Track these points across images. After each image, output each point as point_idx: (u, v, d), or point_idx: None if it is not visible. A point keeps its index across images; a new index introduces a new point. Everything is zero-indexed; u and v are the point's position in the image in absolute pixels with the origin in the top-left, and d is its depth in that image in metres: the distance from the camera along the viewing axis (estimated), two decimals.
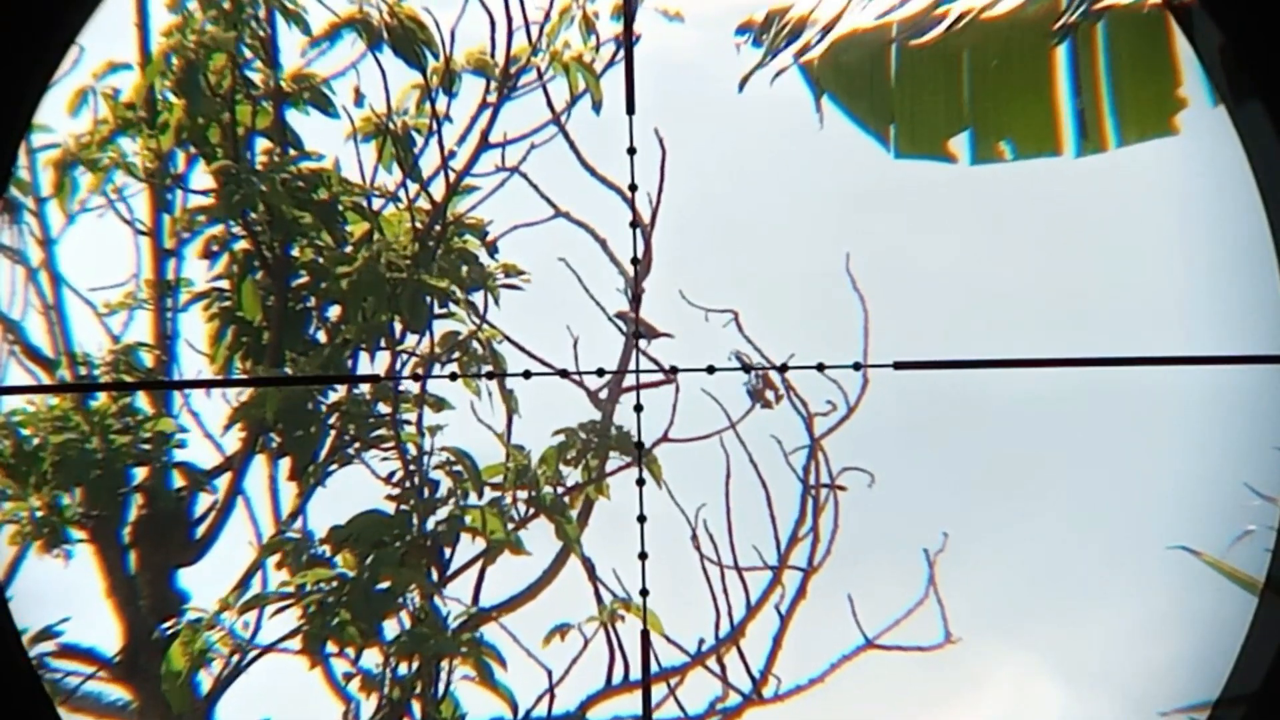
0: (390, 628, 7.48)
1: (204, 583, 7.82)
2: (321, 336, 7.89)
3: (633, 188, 6.79)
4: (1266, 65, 4.03)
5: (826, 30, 6.78)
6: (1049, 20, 6.35)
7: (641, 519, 6.12)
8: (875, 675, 7.50)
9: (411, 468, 7.67)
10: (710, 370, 6.65)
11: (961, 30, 6.45)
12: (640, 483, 6.40)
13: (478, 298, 7.89)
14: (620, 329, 7.65)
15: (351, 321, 7.74)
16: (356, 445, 7.76)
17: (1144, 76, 6.41)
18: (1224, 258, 6.23)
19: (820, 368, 7.06)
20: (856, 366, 7.31)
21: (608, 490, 7.76)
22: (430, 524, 7.56)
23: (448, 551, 7.59)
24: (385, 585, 7.44)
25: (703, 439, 7.59)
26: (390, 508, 7.64)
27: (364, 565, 7.44)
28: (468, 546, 7.63)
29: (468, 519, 7.56)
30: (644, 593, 6.23)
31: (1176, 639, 6.12)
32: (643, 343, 7.59)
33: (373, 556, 7.46)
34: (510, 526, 7.59)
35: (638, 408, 6.87)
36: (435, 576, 7.56)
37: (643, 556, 6.08)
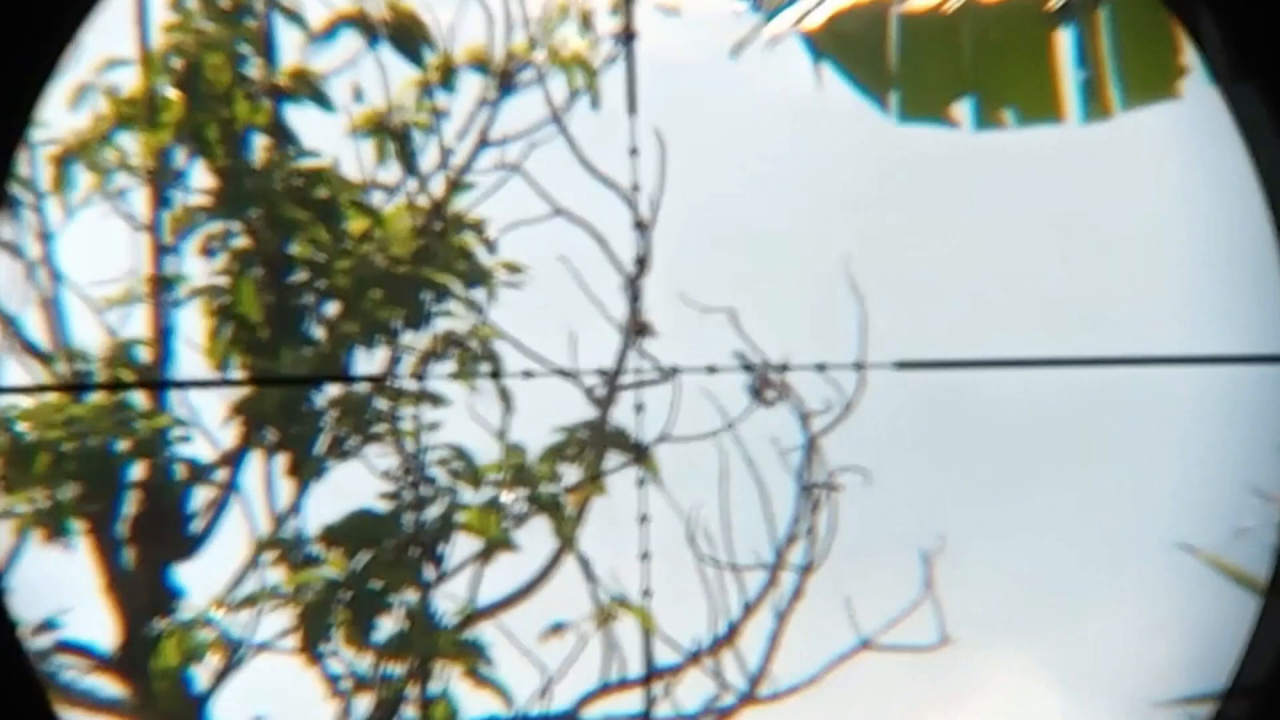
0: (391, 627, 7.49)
1: (200, 578, 7.80)
2: (320, 333, 7.87)
3: (634, 188, 6.78)
4: (1262, 54, 4.02)
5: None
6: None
7: (643, 519, 6.11)
8: (871, 675, 7.50)
9: (409, 464, 7.65)
10: (711, 370, 6.65)
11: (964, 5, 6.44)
12: (642, 483, 6.38)
13: (477, 296, 7.88)
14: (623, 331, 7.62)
15: (351, 317, 7.72)
16: (353, 441, 7.75)
17: (1147, 40, 6.39)
18: (1227, 258, 6.24)
19: (821, 368, 7.06)
20: (858, 367, 7.31)
21: (604, 487, 7.74)
22: (425, 522, 7.55)
23: (442, 550, 7.58)
24: (377, 585, 7.43)
25: (702, 438, 7.59)
26: (383, 506, 7.63)
27: (355, 564, 7.42)
28: (463, 545, 7.63)
29: (461, 517, 7.55)
30: (646, 593, 6.22)
31: (1175, 640, 6.12)
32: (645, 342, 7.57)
33: (363, 556, 7.45)
34: (507, 525, 7.58)
35: (638, 408, 6.87)
36: (430, 575, 7.55)
37: (644, 557, 6.08)
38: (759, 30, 6.82)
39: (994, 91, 6.58)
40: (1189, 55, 6.32)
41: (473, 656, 7.40)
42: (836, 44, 6.72)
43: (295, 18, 7.90)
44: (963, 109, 6.64)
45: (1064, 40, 6.53)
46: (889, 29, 6.66)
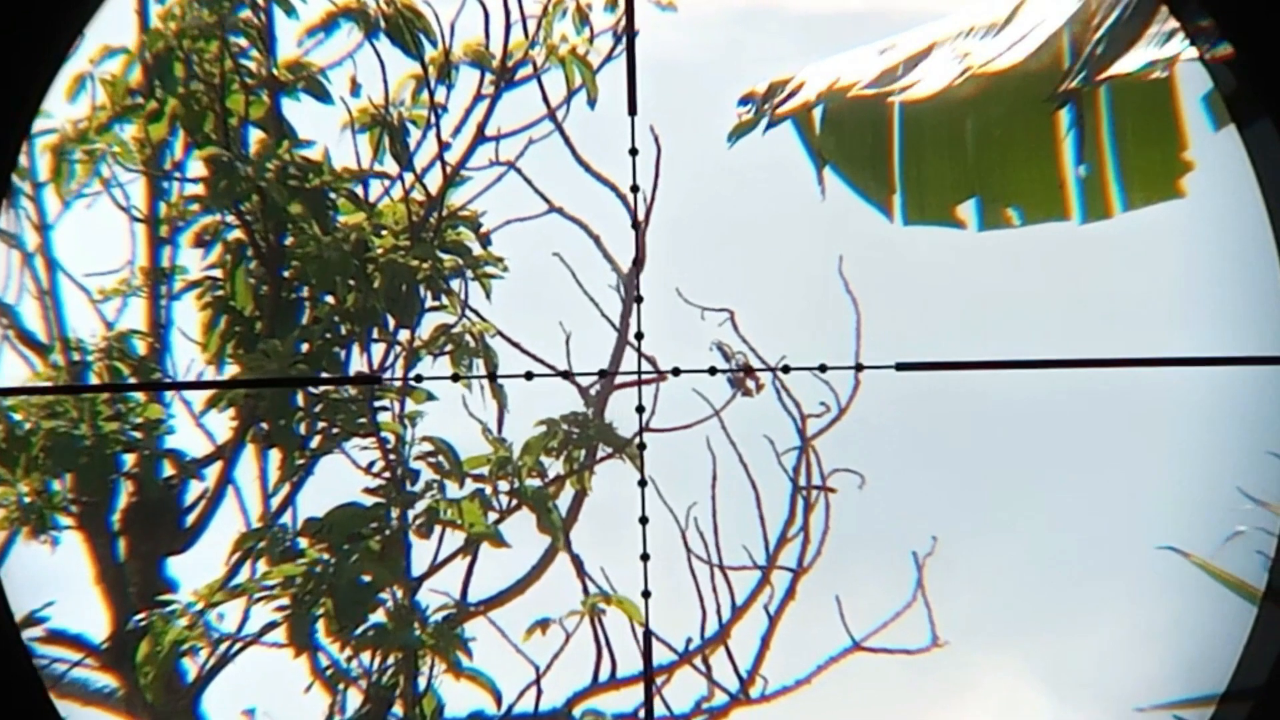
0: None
1: (193, 571, 7.79)
2: (313, 326, 7.85)
3: (634, 189, 6.78)
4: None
5: (827, 101, 6.78)
6: (1052, 85, 6.33)
7: (644, 520, 6.08)
8: (862, 677, 7.49)
9: (392, 457, 7.63)
10: (713, 372, 6.66)
11: (965, 95, 6.44)
12: (643, 484, 6.35)
13: (467, 290, 7.87)
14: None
15: (340, 304, 7.71)
16: (336, 433, 7.72)
17: (1148, 142, 6.43)
18: (1225, 258, 6.23)
19: (823, 368, 7.06)
20: (859, 368, 7.31)
21: (589, 481, 7.71)
22: (409, 516, 7.53)
23: (427, 544, 7.56)
24: (365, 579, 7.41)
25: (684, 429, 7.57)
26: (368, 500, 7.61)
27: (339, 557, 7.40)
28: (450, 540, 7.61)
29: (446, 512, 7.52)
30: (646, 594, 6.19)
31: (1166, 644, 6.12)
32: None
33: (348, 549, 7.42)
34: (493, 518, 7.55)
35: (639, 408, 6.88)
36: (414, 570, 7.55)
37: (644, 558, 6.06)
38: (756, 120, 6.87)
39: (998, 192, 6.64)
40: (1190, 153, 6.37)
41: (456, 650, 7.38)
42: (838, 150, 6.78)
43: (282, 4, 7.88)
44: (967, 210, 6.70)
45: (1067, 140, 6.57)
46: (891, 134, 6.72)
